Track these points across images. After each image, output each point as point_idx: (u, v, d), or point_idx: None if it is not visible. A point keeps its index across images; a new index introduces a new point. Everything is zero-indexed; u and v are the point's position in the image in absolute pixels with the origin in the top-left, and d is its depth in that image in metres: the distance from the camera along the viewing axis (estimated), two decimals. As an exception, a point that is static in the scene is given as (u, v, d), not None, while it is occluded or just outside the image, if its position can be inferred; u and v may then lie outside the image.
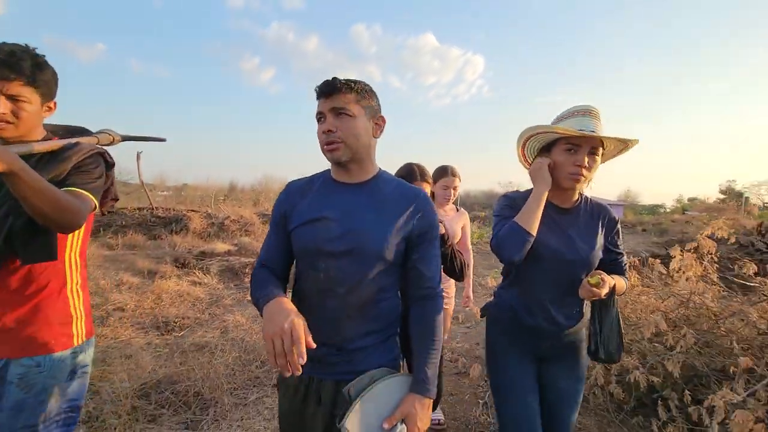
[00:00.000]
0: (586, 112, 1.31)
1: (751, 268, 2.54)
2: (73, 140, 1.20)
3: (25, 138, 1.14)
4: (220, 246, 7.81)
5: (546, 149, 1.38)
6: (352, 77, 1.09)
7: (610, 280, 1.26)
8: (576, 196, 1.42)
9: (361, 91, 1.07)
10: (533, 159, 1.44)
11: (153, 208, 10.74)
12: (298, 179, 1.21)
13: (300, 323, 0.87)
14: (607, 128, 1.32)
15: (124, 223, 9.20)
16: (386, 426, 1.01)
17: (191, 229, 9.20)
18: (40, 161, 1.11)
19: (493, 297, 1.58)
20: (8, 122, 1.08)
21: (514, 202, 1.41)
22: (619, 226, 1.45)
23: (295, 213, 1.13)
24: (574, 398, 1.42)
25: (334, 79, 1.06)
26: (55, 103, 1.20)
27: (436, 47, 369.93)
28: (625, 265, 1.47)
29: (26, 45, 1.11)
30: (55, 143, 1.15)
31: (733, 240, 2.79)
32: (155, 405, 2.41)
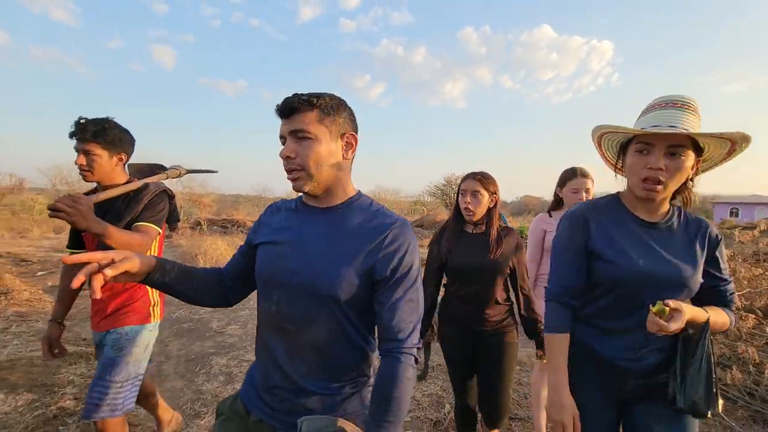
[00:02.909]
0: (669, 104, 1.08)
1: None
2: (145, 182, 1.64)
3: (105, 181, 1.62)
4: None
5: (624, 148, 1.17)
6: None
7: (687, 311, 1.02)
8: (665, 208, 1.18)
9: (325, 107, 0.94)
10: (615, 158, 1.24)
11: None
12: (283, 200, 1.14)
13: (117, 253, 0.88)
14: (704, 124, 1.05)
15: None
16: None
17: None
18: (125, 200, 1.59)
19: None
20: (86, 171, 1.57)
21: (578, 221, 1.19)
22: (722, 245, 1.19)
23: (262, 231, 1.07)
24: None
25: (293, 96, 0.93)
26: (125, 155, 1.66)
27: (553, 39, 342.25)
28: (732, 294, 1.19)
29: (106, 117, 1.60)
30: (131, 186, 1.58)
31: None
32: None
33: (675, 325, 0.99)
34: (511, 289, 1.86)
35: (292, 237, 0.98)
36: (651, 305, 1.03)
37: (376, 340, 1.01)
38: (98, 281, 0.81)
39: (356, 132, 1.02)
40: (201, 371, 3.27)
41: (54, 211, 1.25)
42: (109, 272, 0.82)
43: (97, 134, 1.53)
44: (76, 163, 1.54)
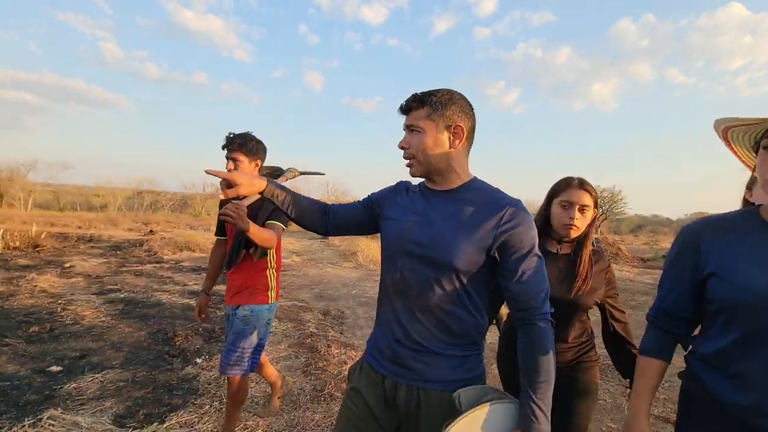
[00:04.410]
0: None
1: None
2: None
3: None
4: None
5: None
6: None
7: None
8: None
9: (435, 104, 1.06)
10: (746, 152, 1.01)
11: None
12: (406, 180, 1.26)
13: (235, 176, 1.14)
14: None
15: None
16: None
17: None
18: (261, 202, 1.82)
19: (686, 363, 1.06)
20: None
21: (690, 235, 1.01)
22: None
23: (389, 204, 1.21)
24: None
25: (411, 96, 1.10)
26: (260, 161, 2.04)
27: (745, 18, 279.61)
28: None
29: (247, 132, 1.99)
30: None
31: None
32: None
33: None
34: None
35: (418, 215, 1.11)
36: None
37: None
38: (229, 194, 1.13)
39: (468, 123, 1.10)
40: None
41: (224, 215, 1.56)
42: (233, 191, 1.12)
43: (241, 145, 1.93)
44: (226, 169, 1.94)
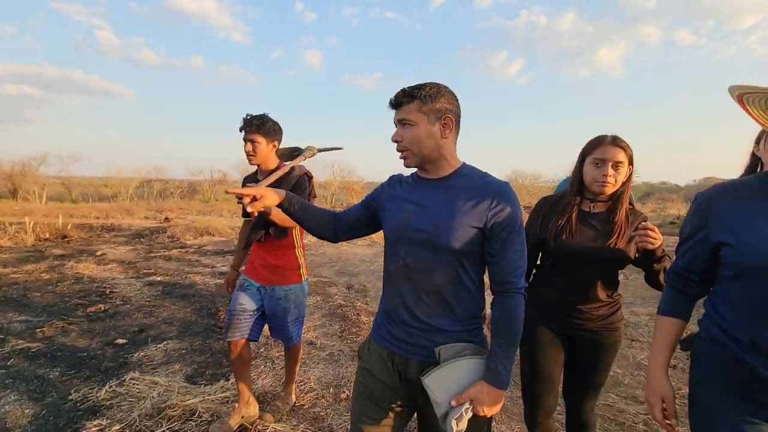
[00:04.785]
0: None
1: None
2: (291, 164, 1.85)
3: (264, 163, 2.07)
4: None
5: None
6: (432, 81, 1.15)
7: None
8: None
9: (424, 97, 1.12)
10: (762, 112, 0.99)
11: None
12: (399, 174, 1.35)
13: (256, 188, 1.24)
14: None
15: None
16: (453, 403, 1.07)
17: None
18: (280, 183, 1.92)
19: (699, 323, 1.09)
20: (252, 155, 2.02)
21: (703, 201, 1.04)
22: None
23: (386, 198, 1.28)
24: None
25: (400, 91, 1.15)
26: (277, 141, 2.08)
27: None
28: None
29: (263, 113, 2.02)
30: (282, 171, 1.76)
31: None
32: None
33: None
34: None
35: (415, 204, 1.18)
36: None
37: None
38: (253, 208, 1.22)
39: (456, 113, 1.16)
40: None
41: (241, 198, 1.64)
42: (258, 205, 1.22)
43: (258, 126, 1.97)
44: (244, 150, 2.01)
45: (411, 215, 1.17)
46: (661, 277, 1.39)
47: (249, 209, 1.22)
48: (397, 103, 1.15)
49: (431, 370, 1.10)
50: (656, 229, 1.34)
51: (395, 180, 1.32)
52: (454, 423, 1.05)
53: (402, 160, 1.19)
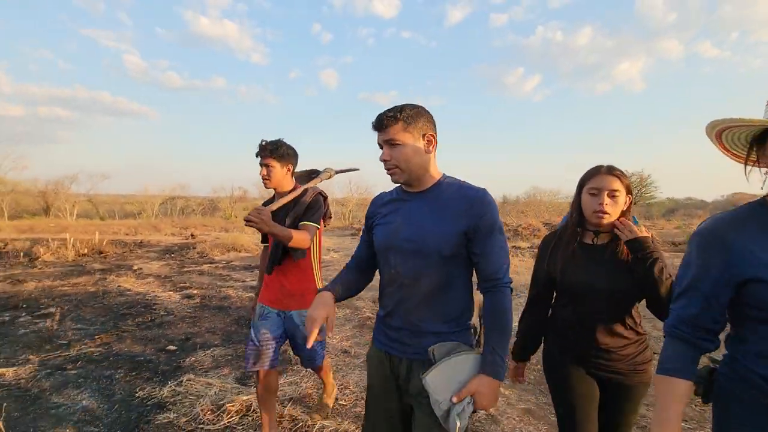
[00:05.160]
0: None
1: None
2: (305, 187, 2.01)
3: (279, 187, 2.12)
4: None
5: (760, 140, 0.92)
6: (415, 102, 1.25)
7: None
8: None
9: (407, 118, 1.19)
10: (744, 148, 0.98)
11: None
12: (383, 192, 1.43)
13: (318, 316, 1.16)
14: None
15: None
16: (455, 400, 1.10)
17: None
18: (293, 204, 2.05)
19: (723, 358, 1.00)
20: (266, 179, 2.08)
21: (714, 239, 0.93)
22: None
23: (377, 217, 1.37)
24: None
25: (382, 113, 1.21)
26: (292, 165, 2.13)
27: None
28: None
29: (278, 139, 2.10)
30: (295, 193, 1.98)
31: None
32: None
33: None
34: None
35: (402, 215, 1.26)
36: None
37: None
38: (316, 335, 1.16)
39: (435, 130, 1.26)
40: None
41: (247, 221, 1.73)
42: (329, 331, 1.21)
43: (273, 151, 2.04)
44: (260, 174, 2.09)
45: (400, 227, 1.25)
46: (662, 289, 1.30)
47: (312, 342, 1.17)
48: (380, 125, 1.21)
49: (430, 369, 1.12)
50: (631, 223, 1.38)
51: (379, 201, 1.40)
52: (457, 419, 1.07)
53: (390, 176, 1.26)
